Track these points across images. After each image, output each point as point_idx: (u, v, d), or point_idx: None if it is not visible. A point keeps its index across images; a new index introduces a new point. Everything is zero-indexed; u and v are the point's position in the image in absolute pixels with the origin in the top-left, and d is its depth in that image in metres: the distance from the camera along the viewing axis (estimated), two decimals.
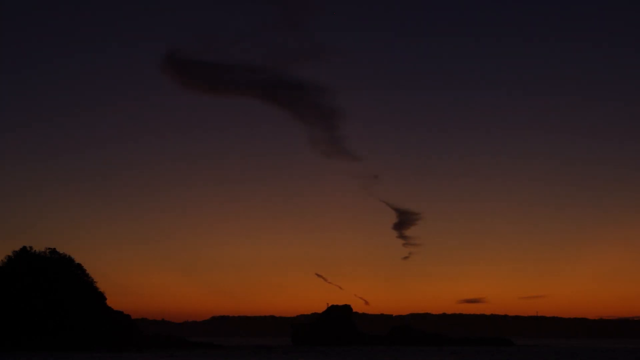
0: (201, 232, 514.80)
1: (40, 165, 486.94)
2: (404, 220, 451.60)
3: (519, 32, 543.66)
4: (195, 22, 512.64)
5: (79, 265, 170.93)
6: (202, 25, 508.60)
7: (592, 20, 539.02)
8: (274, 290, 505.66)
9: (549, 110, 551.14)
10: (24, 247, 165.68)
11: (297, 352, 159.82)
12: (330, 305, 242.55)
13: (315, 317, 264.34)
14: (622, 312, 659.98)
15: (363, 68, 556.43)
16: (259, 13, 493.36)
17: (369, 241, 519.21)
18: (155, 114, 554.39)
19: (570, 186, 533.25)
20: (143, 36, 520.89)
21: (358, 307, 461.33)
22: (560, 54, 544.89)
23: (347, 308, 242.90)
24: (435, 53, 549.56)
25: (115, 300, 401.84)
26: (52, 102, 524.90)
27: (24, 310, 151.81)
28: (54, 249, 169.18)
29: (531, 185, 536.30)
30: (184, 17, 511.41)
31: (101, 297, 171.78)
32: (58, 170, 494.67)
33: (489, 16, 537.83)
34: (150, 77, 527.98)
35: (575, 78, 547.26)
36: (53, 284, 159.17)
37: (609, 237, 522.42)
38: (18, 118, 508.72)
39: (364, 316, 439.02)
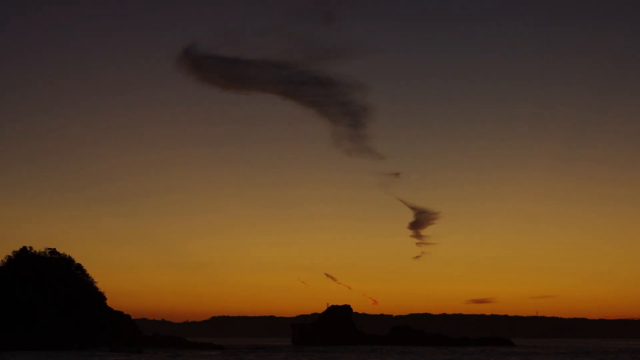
0: (205, 232, 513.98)
1: (41, 165, 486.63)
2: (421, 219, 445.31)
3: (548, 29, 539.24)
4: (213, 15, 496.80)
5: (79, 265, 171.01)
6: (220, 18, 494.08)
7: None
8: (276, 290, 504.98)
9: (566, 112, 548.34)
10: (24, 247, 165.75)
11: (297, 352, 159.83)
12: (330, 305, 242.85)
13: (315, 317, 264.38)
14: (622, 312, 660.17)
15: (391, 66, 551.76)
16: (280, 6, 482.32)
17: (382, 240, 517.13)
18: (170, 110, 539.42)
19: (575, 188, 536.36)
20: (158, 30, 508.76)
21: (361, 307, 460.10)
22: (580, 54, 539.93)
23: (347, 308, 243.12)
24: (464, 53, 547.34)
25: (115, 300, 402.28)
26: (57, 101, 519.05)
27: (24, 310, 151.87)
28: (54, 249, 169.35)
29: (539, 187, 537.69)
30: (201, 9, 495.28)
31: (101, 297, 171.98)
32: (58, 170, 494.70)
33: (515, 15, 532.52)
34: (165, 73, 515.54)
35: (590, 76, 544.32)
36: (53, 284, 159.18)
37: (610, 236, 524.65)
38: (20, 117, 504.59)
39: (365, 316, 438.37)
